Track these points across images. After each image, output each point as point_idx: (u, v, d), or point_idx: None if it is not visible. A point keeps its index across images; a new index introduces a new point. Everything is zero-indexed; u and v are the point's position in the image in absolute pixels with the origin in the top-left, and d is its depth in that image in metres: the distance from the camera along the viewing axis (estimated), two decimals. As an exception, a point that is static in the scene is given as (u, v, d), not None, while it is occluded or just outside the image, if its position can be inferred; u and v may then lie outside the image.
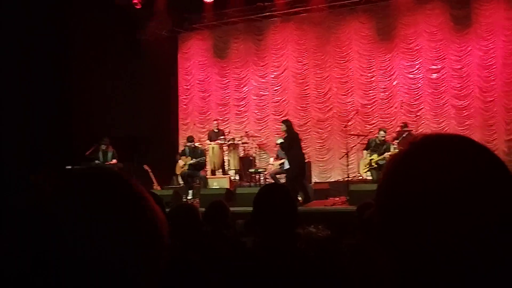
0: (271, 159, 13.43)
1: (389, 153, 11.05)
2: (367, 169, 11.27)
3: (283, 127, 10.74)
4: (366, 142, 11.95)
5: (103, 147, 12.73)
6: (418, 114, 13.59)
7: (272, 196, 2.60)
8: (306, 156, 14.35)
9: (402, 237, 0.85)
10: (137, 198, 0.89)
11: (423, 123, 13.92)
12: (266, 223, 2.54)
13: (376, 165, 11.10)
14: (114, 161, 12.71)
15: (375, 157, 11.17)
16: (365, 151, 11.66)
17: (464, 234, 0.80)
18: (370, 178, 11.44)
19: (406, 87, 14.36)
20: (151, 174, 13.33)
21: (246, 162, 14.44)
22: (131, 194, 0.89)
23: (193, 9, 15.66)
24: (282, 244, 2.51)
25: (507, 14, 13.25)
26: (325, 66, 15.18)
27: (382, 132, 11.41)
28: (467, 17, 13.74)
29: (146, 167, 13.42)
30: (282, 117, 13.98)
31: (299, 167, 11.09)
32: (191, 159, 12.49)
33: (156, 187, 13.23)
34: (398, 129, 13.22)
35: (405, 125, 12.90)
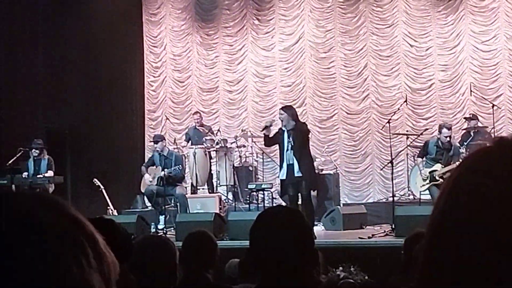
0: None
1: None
2: (426, 185, 11.20)
3: (285, 116, 10.63)
4: (422, 145, 11.90)
5: (35, 153, 12.71)
6: (494, 102, 13.57)
7: (277, 225, 2.57)
8: (332, 165, 14.39)
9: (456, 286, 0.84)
10: (71, 241, 0.87)
11: (502, 116, 13.90)
12: (267, 265, 2.51)
13: (439, 180, 11.00)
14: (50, 172, 12.70)
15: (438, 167, 11.11)
16: (420, 159, 11.60)
17: None
18: (428, 198, 11.39)
19: (477, 63, 14.36)
20: (104, 192, 13.33)
21: (243, 174, 14.43)
22: (61, 235, 0.87)
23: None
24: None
25: None
26: (358, 34, 15.19)
27: (445, 130, 11.29)
28: None
29: (96, 182, 13.43)
30: (296, 108, 13.95)
31: (315, 178, 11.04)
32: (162, 170, 12.47)
33: (112, 211, 13.22)
34: (464, 125, 13.19)
35: (474, 117, 12.86)
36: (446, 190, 0.90)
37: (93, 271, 0.87)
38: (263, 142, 13.26)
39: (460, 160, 10.00)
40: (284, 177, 10.79)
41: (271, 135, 10.98)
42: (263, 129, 11.22)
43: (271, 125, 11.11)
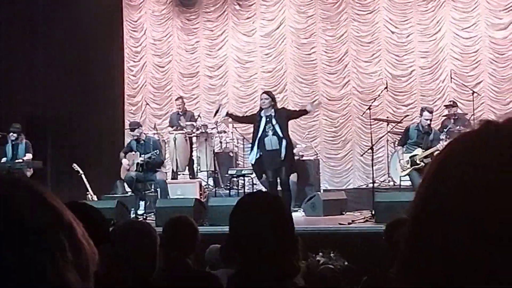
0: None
1: (438, 148, 11.03)
2: (407, 170, 11.22)
3: (269, 100, 10.73)
4: (403, 132, 11.91)
5: (12, 137, 12.64)
6: (475, 89, 13.63)
7: (257, 211, 2.57)
8: (312, 151, 14.42)
9: (439, 275, 0.83)
10: (49, 228, 0.85)
11: (482, 103, 13.98)
12: (247, 251, 2.51)
13: (421, 165, 11.04)
14: (28, 155, 12.64)
15: (419, 152, 11.13)
16: (400, 147, 11.61)
17: None
18: (408, 184, 11.43)
19: (457, 50, 14.41)
20: (83, 177, 13.28)
21: (224, 160, 14.42)
22: (38, 221, 0.85)
23: None
24: (268, 280, 2.47)
25: None
26: (339, 20, 15.19)
27: (426, 113, 11.30)
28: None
29: (76, 167, 13.37)
30: (276, 94, 13.95)
31: (295, 163, 11.18)
32: (140, 156, 12.42)
33: (92, 196, 13.18)
34: (444, 112, 13.25)
35: (454, 104, 12.92)
36: (429, 177, 0.89)
37: (69, 265, 0.85)
38: (244, 129, 13.32)
39: (440, 144, 10.03)
40: (253, 161, 10.91)
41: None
42: (215, 114, 11.74)
43: (219, 109, 11.59)
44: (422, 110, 11.50)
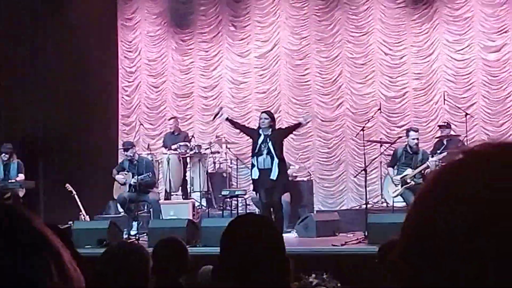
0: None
1: (428, 164, 11.08)
2: (398, 190, 11.27)
3: (268, 121, 10.84)
4: (392, 154, 11.96)
5: (4, 157, 12.63)
6: (468, 111, 13.68)
7: (247, 233, 2.57)
8: (306, 172, 14.42)
9: None
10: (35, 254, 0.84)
11: (475, 125, 14.02)
12: (238, 273, 2.50)
13: (410, 184, 11.11)
14: (21, 176, 12.62)
15: (409, 171, 11.19)
16: (390, 169, 11.66)
17: None
18: (401, 204, 11.45)
19: (451, 72, 14.47)
20: (76, 197, 13.24)
21: (217, 181, 14.40)
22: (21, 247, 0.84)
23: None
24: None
25: None
26: (333, 41, 15.24)
27: (413, 133, 11.45)
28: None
29: (69, 187, 13.33)
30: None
31: (288, 184, 11.24)
32: (133, 176, 12.40)
33: (84, 217, 13.14)
34: (437, 133, 13.29)
35: (448, 125, 12.96)
36: (419, 195, 0.89)
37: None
38: (238, 150, 13.37)
39: (430, 161, 10.06)
40: (256, 177, 10.97)
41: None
42: (214, 117, 12.03)
43: (218, 113, 11.87)
44: (408, 130, 11.73)
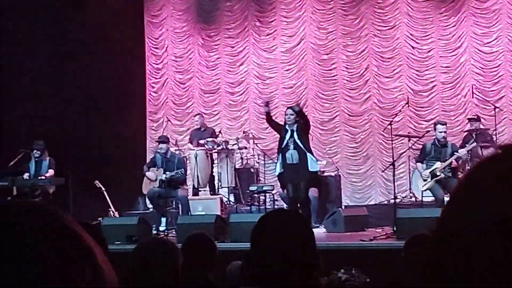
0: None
1: (458, 155, 11.00)
2: (427, 184, 11.18)
3: (294, 116, 10.95)
4: (420, 149, 11.87)
5: (36, 154, 12.74)
6: (496, 104, 13.56)
7: (279, 228, 2.57)
8: (333, 167, 14.39)
9: None
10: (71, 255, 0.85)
11: (504, 118, 13.89)
12: (268, 268, 2.50)
13: (440, 176, 11.03)
14: (51, 171, 12.73)
15: (438, 165, 11.10)
16: (419, 164, 11.57)
17: None
18: (430, 199, 11.38)
19: (479, 65, 14.35)
20: (105, 194, 13.33)
21: (245, 176, 14.42)
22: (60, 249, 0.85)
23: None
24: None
25: None
26: (360, 35, 15.18)
27: (440, 126, 11.33)
28: None
29: (98, 183, 13.42)
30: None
31: (316, 179, 11.30)
32: (164, 172, 12.47)
33: (113, 213, 13.22)
34: (466, 127, 13.19)
35: (478, 119, 12.85)
36: (456, 190, 0.89)
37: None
38: (265, 145, 13.43)
39: (459, 153, 9.99)
40: (280, 172, 11.06)
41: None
42: (266, 104, 11.91)
43: (268, 103, 11.87)
44: (435, 124, 11.64)
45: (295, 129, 10.94)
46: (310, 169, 10.98)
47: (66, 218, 0.89)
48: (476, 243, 0.83)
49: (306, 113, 11.50)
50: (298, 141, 10.89)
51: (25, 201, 0.90)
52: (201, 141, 14.11)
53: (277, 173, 11.33)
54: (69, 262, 0.85)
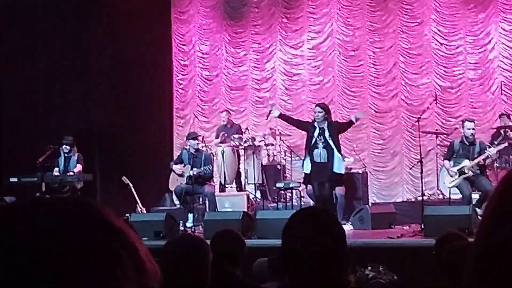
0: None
1: (488, 154, 10.92)
2: (455, 180, 11.12)
3: (322, 114, 10.90)
4: (448, 147, 11.80)
5: (65, 149, 12.83)
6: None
7: (311, 226, 2.57)
8: (360, 164, 14.35)
9: None
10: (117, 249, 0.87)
11: (534, 115, 13.77)
12: (299, 265, 2.52)
13: (468, 174, 10.95)
14: (79, 166, 12.81)
15: (466, 163, 11.02)
16: (447, 162, 11.49)
17: None
18: (458, 196, 11.31)
19: (508, 61, 14.23)
20: (133, 190, 13.40)
21: (271, 173, 14.43)
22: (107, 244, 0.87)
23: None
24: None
25: None
26: (387, 32, 15.12)
27: (468, 124, 11.25)
28: None
29: (125, 179, 13.50)
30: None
31: (342, 177, 11.29)
32: (191, 169, 12.51)
33: (141, 209, 13.29)
34: (496, 123, 13.09)
35: (507, 116, 12.76)
36: (500, 189, 0.89)
37: (130, 282, 0.86)
38: (292, 142, 13.42)
39: (489, 152, 9.91)
40: (308, 171, 11.03)
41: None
42: (267, 117, 12.05)
43: (271, 111, 11.78)
44: (463, 121, 11.52)
45: (325, 127, 10.88)
46: (334, 170, 10.92)
47: (111, 214, 0.90)
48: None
49: (330, 112, 11.42)
50: (329, 139, 10.84)
51: (72, 196, 0.92)
52: (228, 138, 14.14)
53: (306, 171, 11.28)
54: (114, 257, 0.86)
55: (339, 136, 11.22)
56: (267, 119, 12.26)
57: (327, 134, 10.83)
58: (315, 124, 10.95)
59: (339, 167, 10.97)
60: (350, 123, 11.42)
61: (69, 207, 0.89)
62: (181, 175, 12.73)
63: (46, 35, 14.44)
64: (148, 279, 0.89)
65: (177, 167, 12.80)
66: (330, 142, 10.81)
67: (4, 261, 0.83)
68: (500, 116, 13.11)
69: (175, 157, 14.18)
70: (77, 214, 0.88)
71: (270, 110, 11.87)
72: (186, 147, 12.92)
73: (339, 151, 10.98)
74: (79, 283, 0.83)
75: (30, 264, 0.83)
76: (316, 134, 10.89)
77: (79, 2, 14.67)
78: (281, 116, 11.77)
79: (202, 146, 13.84)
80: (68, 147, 12.83)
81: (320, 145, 10.85)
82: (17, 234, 0.84)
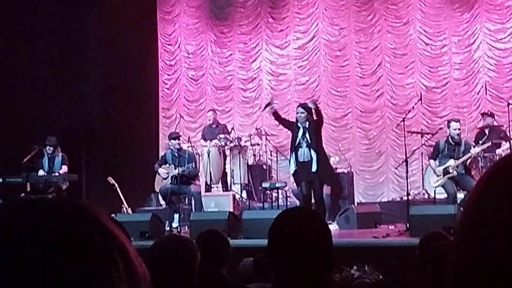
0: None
1: (472, 154, 10.99)
2: (439, 180, 11.17)
3: (305, 114, 10.93)
4: (433, 146, 11.85)
5: (49, 150, 12.79)
6: (510, 101, 13.49)
7: (297, 226, 2.58)
8: (346, 164, 14.38)
9: None
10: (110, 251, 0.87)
11: (518, 114, 13.84)
12: (284, 265, 2.52)
13: (452, 174, 11.01)
14: (64, 167, 12.77)
15: (451, 162, 11.08)
16: (432, 161, 11.54)
17: None
18: (443, 196, 11.36)
19: (492, 62, 14.30)
20: (118, 190, 13.38)
21: (257, 173, 14.43)
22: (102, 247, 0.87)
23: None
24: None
25: None
26: (373, 32, 15.16)
27: (454, 124, 11.32)
28: None
29: (110, 179, 13.47)
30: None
31: (329, 175, 11.22)
32: (175, 168, 12.48)
33: (126, 209, 13.27)
34: (479, 124, 13.15)
35: (491, 115, 12.81)
36: (478, 189, 0.88)
37: (123, 284, 0.86)
38: (278, 142, 13.39)
39: (473, 151, 9.96)
40: (293, 171, 11.06)
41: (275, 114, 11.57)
42: (265, 107, 11.58)
43: (270, 103, 11.64)
44: (449, 121, 11.57)
45: (307, 126, 10.92)
46: (312, 169, 10.92)
47: (104, 215, 0.90)
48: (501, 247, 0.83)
49: (320, 111, 11.41)
50: (309, 139, 10.88)
51: (65, 198, 0.92)
52: (214, 141, 14.12)
53: (291, 171, 11.33)
54: (110, 259, 0.86)
55: (321, 134, 11.23)
56: (263, 109, 12.17)
57: (307, 133, 10.88)
58: (299, 124, 10.98)
59: (314, 167, 10.92)
60: (316, 112, 11.25)
61: (63, 208, 0.89)
62: (165, 178, 12.71)
63: (33, 34, 14.37)
64: (138, 281, 0.89)
65: (162, 171, 12.77)
66: (310, 141, 10.86)
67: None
68: (482, 115, 13.16)
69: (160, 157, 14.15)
70: (72, 215, 0.88)
71: (269, 103, 11.82)
72: (171, 147, 12.90)
73: (318, 150, 10.95)
74: (78, 285, 0.83)
75: (26, 266, 0.82)
76: (300, 134, 10.92)
77: (68, 3, 14.62)
78: (275, 114, 11.72)
79: (188, 146, 13.83)
80: (51, 148, 12.78)
81: (304, 144, 10.89)
82: (11, 236, 0.84)
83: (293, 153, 11.06)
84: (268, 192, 13.18)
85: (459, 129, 11.30)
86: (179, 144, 12.80)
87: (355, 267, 6.78)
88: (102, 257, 0.86)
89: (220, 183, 14.16)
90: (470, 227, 0.88)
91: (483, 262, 0.84)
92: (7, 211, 0.88)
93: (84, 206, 0.90)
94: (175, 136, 12.91)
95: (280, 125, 12.12)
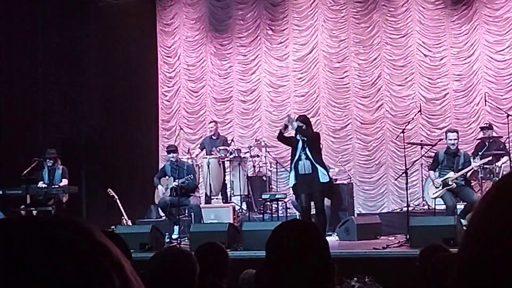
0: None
1: (473, 167, 11.00)
2: (438, 192, 11.18)
3: (296, 127, 10.88)
4: (433, 157, 11.85)
5: (49, 162, 12.79)
6: (509, 112, 13.51)
7: (295, 239, 2.57)
8: (346, 175, 14.37)
9: None
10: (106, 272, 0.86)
11: (518, 126, 13.84)
12: (283, 278, 2.51)
13: (452, 186, 11.01)
14: (64, 181, 12.77)
15: (451, 174, 11.10)
16: (432, 172, 11.56)
17: None
18: (443, 207, 11.35)
19: (491, 73, 14.31)
20: (118, 202, 13.36)
21: (257, 184, 14.43)
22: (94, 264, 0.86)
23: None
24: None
25: None
26: (372, 43, 15.18)
27: (450, 134, 11.33)
28: None
29: (111, 192, 13.46)
30: (310, 118, 13.98)
31: (330, 187, 11.24)
32: (174, 180, 12.48)
33: (126, 221, 13.25)
34: (479, 135, 13.15)
35: (490, 127, 12.82)
36: (482, 205, 0.88)
37: None
38: (277, 154, 13.35)
39: (473, 165, 9.97)
40: (292, 185, 11.02)
41: (286, 134, 11.19)
42: (285, 128, 11.23)
43: (289, 123, 11.17)
44: (446, 132, 11.60)
45: (305, 139, 10.89)
46: (321, 180, 10.91)
47: (99, 232, 0.90)
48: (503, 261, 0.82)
49: (311, 124, 11.31)
50: (308, 152, 10.84)
51: (60, 216, 0.92)
52: (213, 149, 14.13)
53: (291, 184, 11.27)
54: (106, 276, 0.85)
55: (320, 146, 11.22)
56: (284, 130, 11.61)
57: (306, 146, 10.84)
58: (298, 137, 10.93)
59: (322, 177, 10.92)
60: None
61: (59, 226, 0.88)
62: (164, 194, 12.70)
63: (33, 46, 14.39)
64: None
65: (161, 188, 12.77)
66: (309, 154, 10.81)
67: None
68: (481, 128, 13.15)
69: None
70: (68, 233, 0.87)
71: (288, 123, 11.30)
72: (172, 159, 12.90)
73: (318, 162, 10.92)
74: None
75: (24, 282, 0.82)
76: (299, 146, 10.88)
77: (65, 13, 14.64)
78: (279, 136, 11.38)
79: (188, 158, 13.83)
80: (51, 160, 12.78)
81: (303, 156, 10.85)
82: (6, 255, 0.84)
83: (293, 166, 11.01)
84: (268, 203, 13.16)
85: (455, 139, 11.31)
86: (173, 157, 12.80)
87: (355, 279, 6.76)
88: (98, 274, 0.85)
89: (220, 195, 14.15)
90: (477, 236, 0.87)
91: (489, 274, 0.83)
92: (2, 231, 0.88)
93: (79, 223, 0.90)
94: (171, 150, 12.93)
95: (282, 143, 11.92)
